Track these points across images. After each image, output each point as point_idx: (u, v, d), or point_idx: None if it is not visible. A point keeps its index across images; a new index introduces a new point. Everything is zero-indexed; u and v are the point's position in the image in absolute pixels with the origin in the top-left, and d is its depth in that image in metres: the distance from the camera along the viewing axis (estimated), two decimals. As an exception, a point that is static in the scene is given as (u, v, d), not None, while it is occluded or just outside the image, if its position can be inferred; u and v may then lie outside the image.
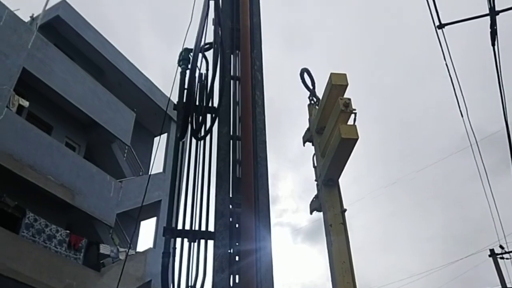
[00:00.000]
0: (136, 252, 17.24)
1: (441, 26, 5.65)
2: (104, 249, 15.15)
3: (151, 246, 17.60)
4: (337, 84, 5.38)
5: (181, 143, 5.55)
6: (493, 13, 5.27)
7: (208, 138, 5.40)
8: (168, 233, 5.00)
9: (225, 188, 4.99)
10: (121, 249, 15.53)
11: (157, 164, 20.16)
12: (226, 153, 5.16)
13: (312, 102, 6.44)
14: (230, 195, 5.02)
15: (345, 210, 5.40)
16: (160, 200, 17.68)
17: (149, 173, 14.69)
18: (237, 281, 4.67)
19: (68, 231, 14.15)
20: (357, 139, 5.17)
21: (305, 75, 6.23)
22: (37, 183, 13.19)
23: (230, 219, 4.89)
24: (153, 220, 19.02)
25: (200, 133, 5.49)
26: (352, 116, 5.33)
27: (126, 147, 18.35)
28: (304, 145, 6.18)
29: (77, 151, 16.33)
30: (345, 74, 5.38)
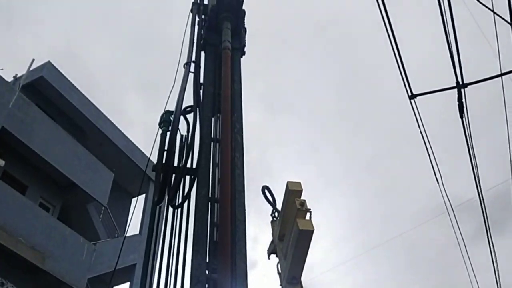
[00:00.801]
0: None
1: (413, 96, 5.88)
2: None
3: None
4: (294, 189, 6.06)
5: (158, 208, 5.48)
6: (460, 86, 5.52)
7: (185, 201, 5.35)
8: (141, 299, 4.80)
9: (202, 252, 4.87)
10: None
11: (134, 225, 19.67)
12: (204, 215, 5.10)
13: (274, 218, 7.13)
14: (207, 260, 4.90)
15: None
16: (135, 264, 17.08)
17: (125, 235, 14.30)
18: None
19: (35, 297, 13.43)
20: (313, 231, 5.71)
21: (266, 192, 6.62)
22: (7, 245, 12.66)
23: (207, 285, 4.75)
24: (126, 286, 18.25)
25: (177, 199, 5.45)
26: (308, 214, 5.97)
27: (103, 208, 17.97)
28: (269, 258, 6.91)
29: (51, 212, 15.88)
30: (299, 182, 6.15)
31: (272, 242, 7.17)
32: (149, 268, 5.06)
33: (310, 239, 6.30)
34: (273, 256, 7.19)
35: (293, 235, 6.48)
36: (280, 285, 6.75)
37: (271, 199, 6.89)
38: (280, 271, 6.79)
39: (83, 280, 14.99)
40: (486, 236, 9.89)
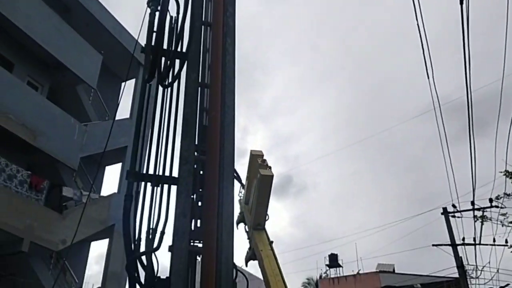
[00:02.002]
0: (100, 197, 17.23)
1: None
2: (66, 191, 15.04)
3: (116, 191, 17.60)
4: (256, 154, 7.02)
5: (148, 87, 5.46)
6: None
7: (175, 84, 5.33)
8: (131, 176, 5.01)
9: (191, 135, 5.00)
10: (84, 193, 15.45)
11: (124, 110, 19.80)
12: (194, 99, 5.13)
13: (240, 196, 7.91)
14: (196, 143, 5.04)
15: (272, 241, 6.89)
16: (126, 146, 17.50)
17: (114, 116, 14.46)
18: (198, 225, 4.79)
19: (29, 172, 13.92)
20: (273, 176, 6.56)
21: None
22: (-3, 121, 12.78)
23: (195, 166, 4.94)
24: (118, 166, 18.93)
25: (167, 80, 5.41)
26: (269, 168, 6.78)
27: (92, 90, 17.86)
28: (237, 228, 7.87)
29: (39, 91, 15.78)
30: (261, 150, 7.14)
31: (239, 213, 7.95)
32: (139, 149, 5.21)
33: (271, 185, 6.87)
34: (241, 225, 7.92)
35: (255, 184, 7.03)
36: (247, 233, 7.44)
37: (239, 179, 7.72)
38: (247, 230, 7.54)
39: (76, 159, 15.46)
40: (468, 136, 10.22)
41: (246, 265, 6.67)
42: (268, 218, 6.99)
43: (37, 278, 13.72)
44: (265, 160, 7.09)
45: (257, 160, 7.23)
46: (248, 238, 7.30)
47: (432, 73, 8.04)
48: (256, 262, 6.85)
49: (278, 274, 6.08)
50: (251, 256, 7.07)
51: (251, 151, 7.64)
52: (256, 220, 6.86)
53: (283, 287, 5.90)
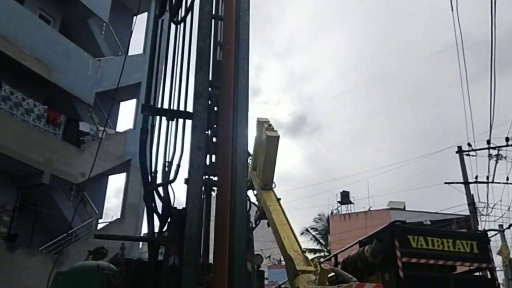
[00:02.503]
0: (115, 132, 17.48)
1: None
2: (83, 126, 15.27)
3: (131, 127, 17.81)
4: (262, 120, 7.19)
5: (160, 23, 5.34)
6: None
7: (189, 17, 5.19)
8: (147, 110, 5.03)
9: (204, 69, 4.94)
10: (100, 128, 15.67)
11: (137, 45, 19.51)
12: (207, 33, 5.01)
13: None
14: (210, 79, 4.99)
15: (280, 199, 7.03)
16: (140, 83, 17.46)
17: (127, 53, 14.26)
18: (213, 160, 4.85)
19: (45, 107, 14.08)
20: (279, 137, 6.75)
21: None
22: (11, 55, 12.75)
23: (209, 102, 4.92)
24: (133, 103, 19.01)
25: (180, 13, 5.26)
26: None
27: (104, 24, 17.55)
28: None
29: (51, 25, 15.57)
30: (267, 118, 7.27)
31: (247, 181, 8.14)
32: (153, 84, 5.19)
33: (277, 145, 6.97)
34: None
35: (262, 145, 7.13)
36: (255, 196, 7.47)
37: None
38: (255, 192, 7.55)
39: (91, 94, 15.54)
40: (490, 73, 9.94)
41: (256, 226, 6.85)
42: (275, 186, 7.08)
43: (58, 209, 14.32)
44: (270, 124, 7.30)
45: (263, 125, 7.30)
46: (257, 200, 7.46)
47: (456, 5, 7.66)
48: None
49: (286, 224, 6.27)
50: (260, 215, 7.27)
51: (258, 118, 7.63)
52: (264, 180, 7.08)
53: (291, 234, 6.07)
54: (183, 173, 4.68)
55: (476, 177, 16.01)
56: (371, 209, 32.05)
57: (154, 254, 4.59)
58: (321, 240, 35.10)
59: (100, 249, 4.40)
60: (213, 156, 4.86)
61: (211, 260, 4.28)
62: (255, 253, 4.80)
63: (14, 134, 12.46)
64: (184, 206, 4.54)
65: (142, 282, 4.54)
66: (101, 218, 17.36)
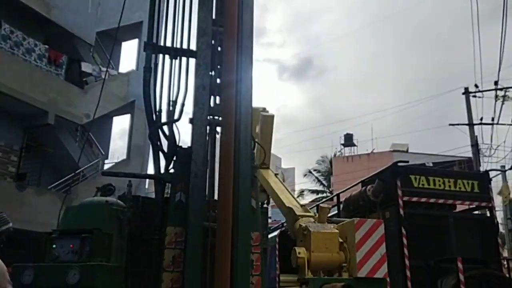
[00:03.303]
0: (118, 73, 17.31)
1: None
2: (85, 67, 15.11)
3: (134, 68, 17.61)
4: (257, 107, 7.19)
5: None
6: None
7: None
8: (149, 48, 4.93)
9: (208, 5, 4.79)
10: (103, 69, 15.51)
11: (137, -19, 18.83)
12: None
13: None
14: (213, 17, 4.85)
15: (277, 174, 7.32)
16: (142, 22, 17.03)
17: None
18: (217, 101, 4.82)
19: (46, 46, 13.86)
20: (273, 116, 7.01)
21: None
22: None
23: (213, 41, 4.81)
24: (135, 43, 18.67)
25: None
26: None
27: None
28: None
29: (49, -40, 14.97)
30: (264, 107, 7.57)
31: None
32: (155, 21, 5.05)
33: (272, 124, 7.30)
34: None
35: (258, 126, 7.29)
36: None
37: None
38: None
39: (92, 33, 15.24)
40: (502, 13, 9.61)
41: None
42: (267, 198, 7.13)
43: (65, 149, 14.50)
44: (265, 108, 7.64)
45: (259, 110, 7.62)
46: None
47: None
48: None
49: (284, 189, 6.47)
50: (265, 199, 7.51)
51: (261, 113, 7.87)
52: (261, 159, 7.16)
53: (290, 195, 6.31)
54: (188, 114, 4.68)
55: (481, 119, 15.93)
56: (374, 151, 32.30)
57: (161, 191, 4.68)
58: (323, 182, 35.70)
59: (108, 186, 4.49)
60: (217, 98, 4.82)
61: (216, 197, 4.37)
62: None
63: (16, 74, 12.37)
64: (189, 145, 4.58)
65: (149, 218, 4.68)
66: (107, 158, 17.62)
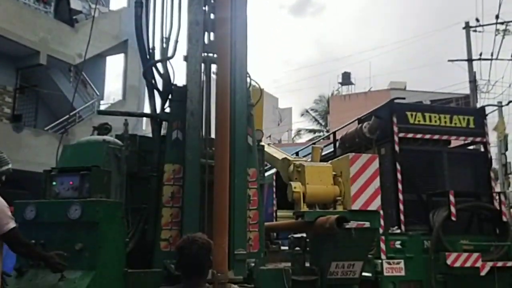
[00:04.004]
0: (109, 10, 16.78)
1: None
2: (75, 4, 14.62)
3: (125, 5, 17.04)
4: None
5: None
6: None
7: None
8: (140, -19, 4.75)
9: None
10: (92, 6, 15.00)
11: None
12: None
13: None
14: None
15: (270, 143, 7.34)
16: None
17: None
18: (212, 38, 4.71)
19: (33, -18, 13.33)
20: (263, 89, 6.07)
21: None
22: None
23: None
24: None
25: None
26: None
27: None
28: None
29: None
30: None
31: None
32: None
33: (262, 95, 6.43)
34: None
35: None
36: None
37: None
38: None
39: (79, -32, 14.59)
40: None
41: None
42: (263, 135, 7.02)
43: (59, 90, 14.37)
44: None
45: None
46: None
47: None
48: None
49: (277, 151, 6.60)
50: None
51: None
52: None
53: (284, 153, 6.41)
54: (183, 51, 4.59)
55: (481, 54, 15.70)
56: (371, 89, 32.14)
57: (157, 130, 4.69)
58: (320, 121, 35.83)
59: (105, 125, 4.48)
60: (212, 34, 4.71)
61: (213, 135, 4.40)
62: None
63: (4, 13, 11.98)
64: (184, 83, 4.54)
65: (147, 156, 4.73)
66: (102, 99, 17.50)
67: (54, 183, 3.50)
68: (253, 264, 4.10)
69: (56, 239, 3.30)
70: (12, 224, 3.19)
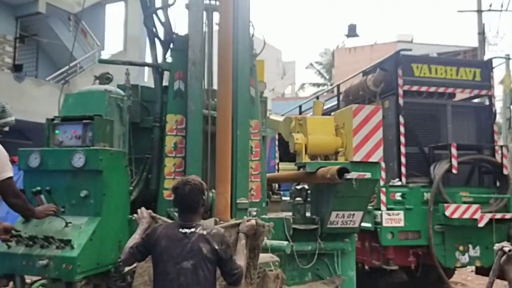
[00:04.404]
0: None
1: None
2: (73, -51, 14.08)
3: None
4: None
5: None
6: None
7: None
8: None
9: None
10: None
11: None
12: None
13: None
14: None
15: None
16: None
17: None
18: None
19: None
20: (263, 61, 5.82)
21: None
22: None
23: None
24: None
25: None
26: None
27: None
28: None
29: None
30: None
31: None
32: None
33: (262, 69, 6.15)
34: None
35: None
36: None
37: None
38: None
39: None
40: None
41: None
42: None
43: (59, 39, 14.15)
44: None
45: None
46: None
47: None
48: None
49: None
50: None
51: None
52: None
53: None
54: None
55: (490, 5, 15.26)
56: (377, 42, 31.47)
57: (159, 80, 4.65)
58: (325, 74, 35.38)
59: (106, 74, 4.44)
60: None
61: (215, 86, 4.36)
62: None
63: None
64: (186, 32, 4.44)
65: (149, 106, 4.71)
66: (103, 49, 17.24)
67: (57, 131, 3.51)
68: (254, 213, 4.17)
69: (61, 186, 3.35)
70: (10, 173, 3.22)
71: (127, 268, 3.52)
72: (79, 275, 3.01)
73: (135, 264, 3.61)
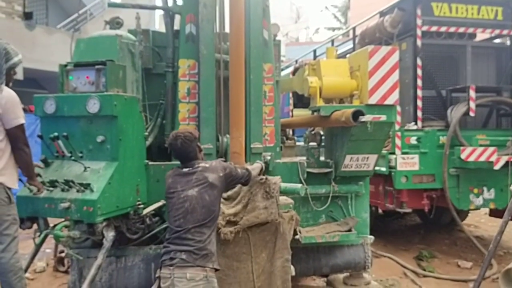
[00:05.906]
0: None
1: None
2: None
3: None
4: None
5: None
6: None
7: None
8: None
9: None
10: None
11: None
12: None
13: None
14: None
15: None
16: None
17: None
18: None
19: None
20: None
21: None
22: None
23: None
24: None
25: None
26: None
27: None
28: None
29: None
30: None
31: None
32: None
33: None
34: None
35: None
36: None
37: None
38: None
39: None
40: None
41: None
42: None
43: (68, -14, 13.84)
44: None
45: None
46: None
47: None
48: None
49: None
50: None
51: None
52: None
53: None
54: None
55: None
56: (395, -19, 30.06)
57: (171, 23, 4.56)
58: (340, 18, 34.32)
59: (116, 19, 4.35)
60: None
61: (227, 29, 4.26)
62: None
63: None
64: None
65: (161, 52, 4.65)
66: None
67: (70, 77, 3.50)
68: (269, 158, 4.20)
69: (78, 132, 3.38)
70: (22, 120, 3.27)
71: (145, 211, 3.63)
72: (100, 217, 3.10)
73: (153, 206, 3.73)
